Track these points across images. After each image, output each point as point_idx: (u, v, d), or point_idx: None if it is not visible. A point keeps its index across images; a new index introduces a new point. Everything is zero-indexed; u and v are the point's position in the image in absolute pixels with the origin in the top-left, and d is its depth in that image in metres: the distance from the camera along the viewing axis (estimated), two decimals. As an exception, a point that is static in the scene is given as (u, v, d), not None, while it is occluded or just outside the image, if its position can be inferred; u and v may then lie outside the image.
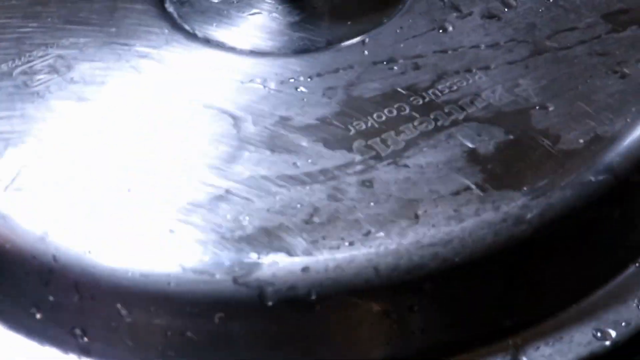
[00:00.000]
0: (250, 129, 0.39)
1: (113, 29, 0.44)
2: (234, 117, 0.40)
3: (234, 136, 0.39)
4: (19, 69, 0.42)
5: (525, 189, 0.37)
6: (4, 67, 0.43)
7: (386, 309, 0.35)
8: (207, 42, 0.44)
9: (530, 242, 0.36)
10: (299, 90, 0.41)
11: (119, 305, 0.35)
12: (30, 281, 0.37)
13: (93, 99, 0.41)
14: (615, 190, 0.37)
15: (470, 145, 0.38)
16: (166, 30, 0.44)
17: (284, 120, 0.40)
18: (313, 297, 0.35)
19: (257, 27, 0.45)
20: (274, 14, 0.45)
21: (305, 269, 0.35)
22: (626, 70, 0.41)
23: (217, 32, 0.44)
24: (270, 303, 0.35)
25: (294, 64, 0.42)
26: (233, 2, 0.46)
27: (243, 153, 0.38)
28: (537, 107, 0.40)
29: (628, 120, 0.39)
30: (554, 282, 0.37)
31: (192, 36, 0.44)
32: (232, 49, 0.43)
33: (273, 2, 0.45)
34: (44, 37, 0.44)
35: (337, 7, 0.46)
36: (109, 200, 0.37)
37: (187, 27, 0.44)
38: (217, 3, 0.46)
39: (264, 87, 0.41)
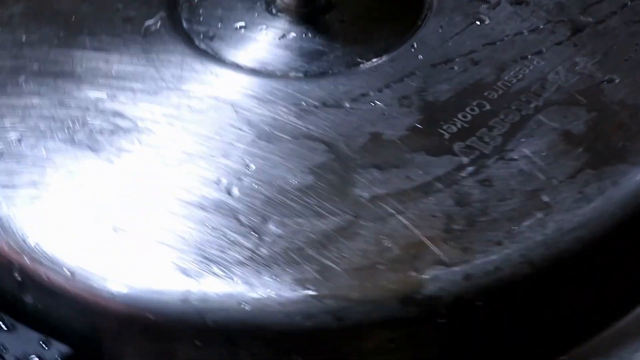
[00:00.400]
0: (347, 151, 0.39)
1: (157, 75, 0.43)
2: (325, 143, 0.40)
3: (334, 162, 0.39)
4: (81, 132, 0.40)
5: (632, 160, 0.38)
6: (65, 133, 0.40)
7: (545, 299, 0.36)
8: (257, 72, 0.43)
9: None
10: (375, 104, 0.41)
11: (288, 350, 0.35)
12: (177, 343, 0.35)
13: (169, 146, 0.40)
14: None
15: (563, 128, 0.39)
16: (210, 68, 0.43)
17: (375, 137, 0.40)
18: (479, 303, 0.35)
19: (297, 50, 0.44)
20: (306, 35, 0.45)
21: (467, 277, 0.35)
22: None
23: (261, 61, 0.44)
24: (440, 316, 0.35)
25: (357, 80, 0.42)
26: (262, 29, 0.45)
27: (353, 177, 0.38)
28: (605, 82, 0.41)
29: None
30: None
31: (239, 68, 0.43)
32: (285, 76, 0.43)
33: (298, 24, 0.45)
34: (91, 94, 0.42)
35: (363, 18, 0.46)
36: (243, 244, 0.36)
37: (228, 60, 0.43)
38: (245, 32, 0.45)
39: (340, 107, 0.41)
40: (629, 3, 0.45)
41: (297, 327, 0.35)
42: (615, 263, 0.37)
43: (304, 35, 0.45)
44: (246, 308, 0.35)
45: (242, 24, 0.46)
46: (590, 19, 0.44)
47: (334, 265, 0.35)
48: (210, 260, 0.36)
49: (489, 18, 0.44)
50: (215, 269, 0.36)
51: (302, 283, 0.35)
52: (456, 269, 0.35)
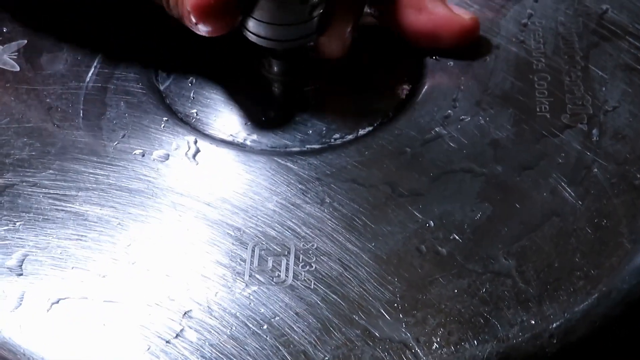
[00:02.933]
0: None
1: (159, 180, 0.38)
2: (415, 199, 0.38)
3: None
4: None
5: None
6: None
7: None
8: (273, 153, 0.39)
9: None
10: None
11: None
12: None
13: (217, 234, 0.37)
14: None
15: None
16: (229, 156, 0.39)
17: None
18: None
19: (296, 125, 0.41)
20: (294, 108, 0.41)
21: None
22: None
23: (268, 139, 0.40)
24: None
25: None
26: (248, 104, 0.41)
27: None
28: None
29: None
30: None
31: (247, 150, 0.39)
32: (319, 149, 0.39)
33: (281, 99, 0.42)
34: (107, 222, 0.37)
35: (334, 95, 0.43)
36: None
37: (246, 142, 0.40)
38: (233, 110, 0.41)
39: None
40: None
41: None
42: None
43: (289, 109, 0.41)
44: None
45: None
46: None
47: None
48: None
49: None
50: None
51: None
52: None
